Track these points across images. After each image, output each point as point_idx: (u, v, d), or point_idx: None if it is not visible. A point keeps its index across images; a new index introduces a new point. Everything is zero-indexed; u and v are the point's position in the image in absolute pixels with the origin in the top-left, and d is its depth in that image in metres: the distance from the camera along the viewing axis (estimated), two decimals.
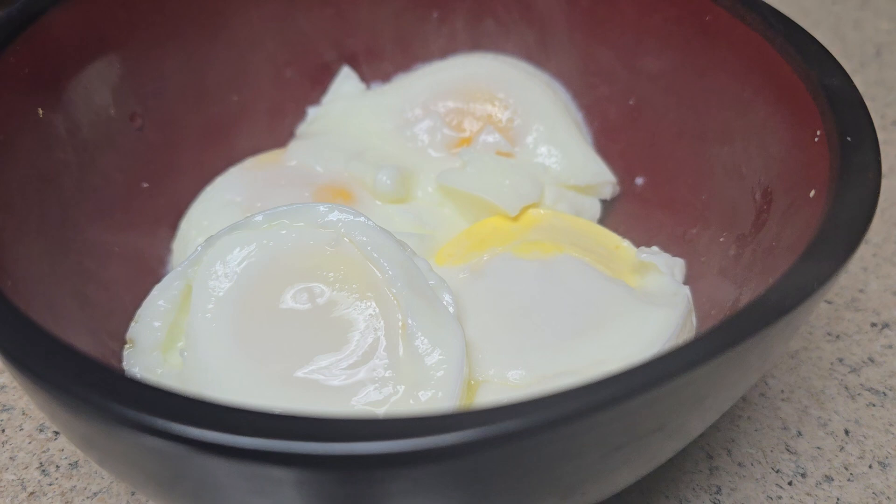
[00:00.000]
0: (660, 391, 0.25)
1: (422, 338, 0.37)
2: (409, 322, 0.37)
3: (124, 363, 0.39)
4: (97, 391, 0.26)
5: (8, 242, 0.36)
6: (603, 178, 0.49)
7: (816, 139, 0.36)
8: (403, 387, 0.36)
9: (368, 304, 0.38)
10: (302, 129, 0.52)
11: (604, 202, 0.50)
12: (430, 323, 0.37)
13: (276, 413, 0.24)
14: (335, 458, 0.23)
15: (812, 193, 0.34)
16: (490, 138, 0.48)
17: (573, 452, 0.26)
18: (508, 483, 0.26)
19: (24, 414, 0.45)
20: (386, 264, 0.38)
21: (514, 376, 0.39)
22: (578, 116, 0.52)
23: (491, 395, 0.38)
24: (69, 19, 0.43)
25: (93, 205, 0.44)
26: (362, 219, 0.40)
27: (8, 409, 0.46)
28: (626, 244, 0.45)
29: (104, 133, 0.45)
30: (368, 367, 0.37)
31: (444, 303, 0.39)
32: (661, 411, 0.27)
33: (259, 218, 0.40)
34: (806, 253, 0.29)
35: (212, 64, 0.50)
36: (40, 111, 0.41)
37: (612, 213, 0.50)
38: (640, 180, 0.50)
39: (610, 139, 0.51)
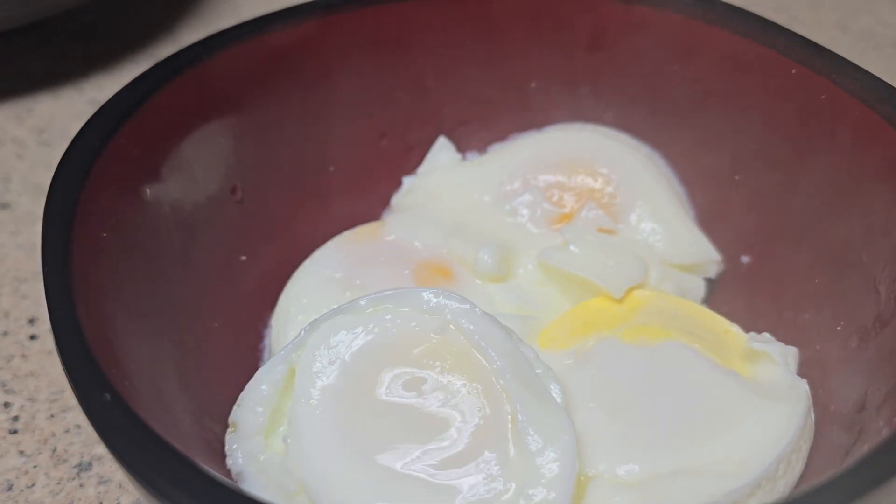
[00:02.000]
0: None
1: (533, 434, 0.36)
2: (520, 417, 0.36)
3: (227, 447, 0.39)
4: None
5: (117, 329, 0.36)
6: (708, 256, 0.47)
7: None
8: (514, 485, 0.35)
9: (476, 395, 0.37)
10: (398, 199, 0.52)
11: (708, 281, 0.48)
12: (540, 417, 0.36)
13: None
14: None
15: None
16: (592, 214, 0.47)
17: None
18: None
19: (121, 487, 0.45)
20: (494, 354, 0.37)
21: (625, 473, 0.37)
22: (681, 191, 0.50)
23: (601, 492, 0.37)
24: (175, 99, 0.43)
25: (193, 280, 0.44)
26: (468, 306, 0.39)
27: (105, 482, 0.46)
28: (735, 329, 0.44)
29: (206, 207, 0.45)
30: (476, 463, 0.36)
31: (553, 394, 0.38)
32: None
33: (363, 302, 0.39)
34: None
35: (310, 135, 0.50)
36: (147, 191, 0.41)
37: (717, 293, 0.48)
38: (745, 258, 0.48)
39: (714, 216, 0.50)
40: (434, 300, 0.39)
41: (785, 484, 0.36)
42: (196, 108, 0.44)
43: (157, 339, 0.39)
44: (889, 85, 0.41)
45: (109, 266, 0.37)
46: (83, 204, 0.36)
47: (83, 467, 0.46)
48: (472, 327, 0.38)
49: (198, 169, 0.45)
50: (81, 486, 0.45)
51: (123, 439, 0.28)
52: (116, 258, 0.38)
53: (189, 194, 0.44)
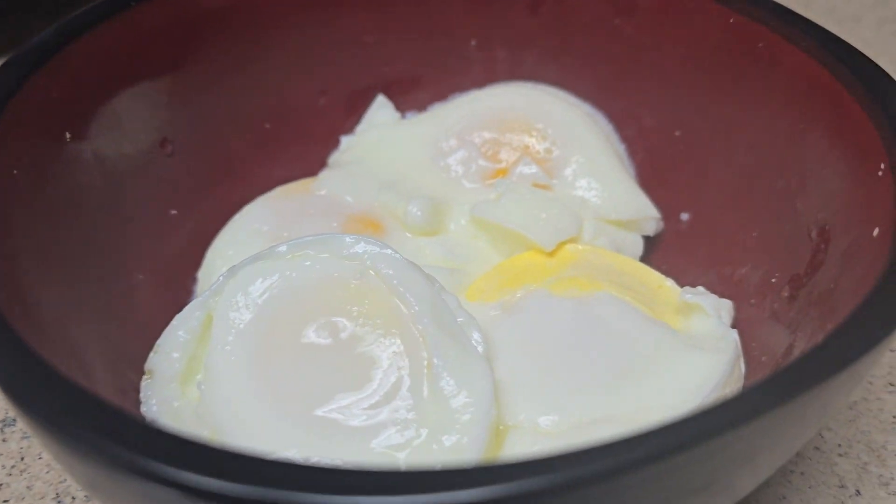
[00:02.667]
0: (708, 447, 0.23)
1: (448, 378, 0.35)
2: (435, 361, 0.35)
3: (141, 395, 0.38)
4: (104, 435, 0.24)
5: (25, 269, 0.35)
6: (646, 213, 0.46)
7: (881, 173, 0.33)
8: (426, 430, 0.34)
9: (393, 340, 0.36)
10: (334, 158, 0.51)
11: (646, 239, 0.48)
12: (458, 363, 0.35)
13: (284, 462, 0.23)
14: None
15: (876, 232, 0.31)
16: (527, 170, 0.46)
17: None
18: None
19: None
20: (412, 299, 0.37)
21: (545, 422, 0.36)
22: (621, 149, 0.50)
23: (520, 442, 0.36)
24: (102, 44, 0.42)
25: (118, 231, 0.43)
26: (389, 251, 0.38)
27: (28, 437, 0.45)
28: (669, 283, 0.43)
29: (133, 159, 0.44)
30: (391, 407, 0.35)
31: (473, 342, 0.37)
32: (709, 469, 0.25)
33: (283, 248, 0.39)
34: (870, 297, 0.27)
35: (245, 92, 0.49)
36: (68, 135, 0.40)
37: (655, 251, 0.47)
38: (685, 216, 0.47)
39: (654, 173, 0.49)
40: (354, 246, 0.38)
41: None
42: (124, 56, 0.43)
43: (74, 286, 0.38)
44: (827, 31, 0.40)
45: (20, 203, 0.36)
46: None
47: (7, 423, 0.45)
48: (391, 272, 0.37)
49: (125, 118, 0.44)
50: (4, 440, 0.44)
51: (9, 366, 0.27)
52: (30, 197, 0.37)
53: (115, 144, 0.43)
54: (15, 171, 0.36)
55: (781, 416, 0.24)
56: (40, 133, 0.39)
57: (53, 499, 0.42)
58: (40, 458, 0.44)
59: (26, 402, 0.26)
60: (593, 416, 0.36)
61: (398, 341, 0.36)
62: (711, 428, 0.24)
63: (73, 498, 0.42)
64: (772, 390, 0.24)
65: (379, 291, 0.37)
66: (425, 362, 0.36)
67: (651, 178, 0.49)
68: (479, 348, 0.37)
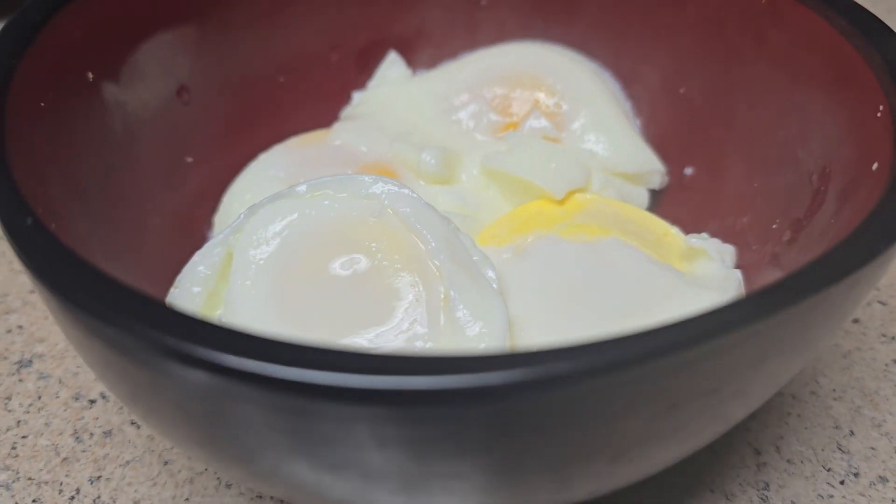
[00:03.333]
0: (719, 343, 0.24)
1: (463, 309, 0.36)
2: (452, 294, 0.36)
3: None
4: (140, 320, 0.25)
5: (52, 200, 0.36)
6: (651, 166, 0.48)
7: (879, 114, 0.34)
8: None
9: (411, 275, 0.37)
10: (346, 112, 0.52)
11: (652, 192, 0.49)
12: (473, 296, 0.36)
13: (321, 347, 0.24)
14: (389, 393, 0.22)
15: (875, 166, 0.33)
16: (537, 123, 0.47)
17: (626, 405, 0.25)
18: (555, 437, 0.25)
19: (60, 382, 0.45)
20: (429, 236, 0.38)
21: None
22: (627, 105, 0.51)
23: None
24: None
25: (136, 174, 0.44)
26: (406, 191, 0.39)
27: (45, 377, 0.45)
28: (674, 231, 0.44)
29: (151, 105, 0.45)
30: (407, 335, 0.36)
31: (488, 278, 0.38)
32: (720, 368, 0.26)
33: (302, 188, 0.40)
34: (874, 213, 0.28)
35: (260, 45, 0.50)
36: (90, 75, 0.41)
37: (661, 204, 0.49)
38: (689, 170, 0.49)
39: (659, 128, 0.50)
40: (372, 185, 0.39)
41: None
42: (147, 3, 0.44)
43: (94, 222, 0.39)
44: None
45: (46, 132, 0.36)
46: (23, 65, 0.35)
47: (23, 364, 0.46)
48: (408, 210, 0.38)
49: (145, 64, 0.44)
50: (21, 381, 0.45)
51: (42, 256, 0.28)
52: (54, 130, 0.37)
53: (134, 88, 0.44)
54: (42, 104, 0.37)
55: (792, 316, 0.25)
56: (65, 70, 0.39)
57: (71, 435, 0.42)
58: (57, 397, 0.44)
59: (61, 291, 0.26)
60: None
61: (416, 276, 0.37)
62: (722, 324, 0.25)
63: (91, 434, 0.42)
64: (784, 291, 0.25)
65: (396, 229, 0.38)
66: (442, 295, 0.37)
67: (656, 133, 0.50)
68: (494, 285, 0.38)
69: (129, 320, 0.25)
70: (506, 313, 0.36)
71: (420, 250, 0.38)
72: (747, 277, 0.41)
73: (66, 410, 0.44)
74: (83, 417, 0.43)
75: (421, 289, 0.37)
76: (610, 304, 0.39)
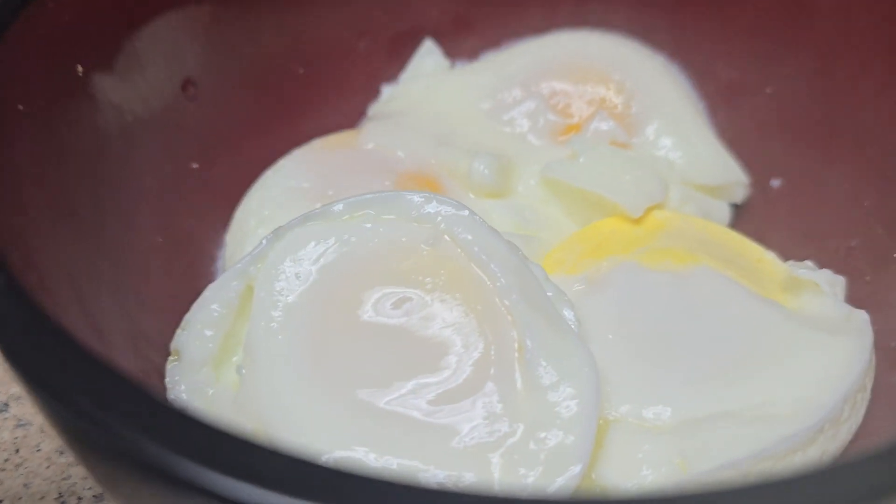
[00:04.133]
0: None
1: (545, 365, 0.29)
2: (528, 344, 0.30)
3: (167, 379, 0.32)
4: (132, 424, 0.19)
5: (35, 228, 0.29)
6: (734, 177, 0.41)
7: None
8: (522, 426, 0.29)
9: (475, 318, 0.31)
10: (375, 109, 0.45)
11: (733, 208, 0.42)
12: (554, 346, 0.30)
13: (359, 473, 0.17)
14: None
15: None
16: (604, 126, 0.41)
17: None
18: None
19: (42, 431, 0.38)
20: (497, 270, 0.31)
21: (653, 416, 0.31)
22: (700, 106, 0.44)
23: (624, 438, 0.31)
24: None
25: (134, 186, 0.37)
26: (467, 212, 0.32)
27: (24, 425, 0.38)
28: (770, 257, 0.38)
29: (152, 102, 0.38)
30: (475, 398, 0.29)
31: (567, 320, 0.31)
32: None
33: (339, 207, 0.33)
34: None
35: (277, 31, 0.43)
36: (80, 69, 0.34)
37: (743, 222, 0.42)
38: (776, 182, 0.42)
39: (738, 135, 0.44)
40: (425, 206, 0.32)
41: (849, 429, 0.30)
42: None
43: (85, 245, 0.32)
44: None
45: (26, 143, 0.30)
46: None
47: None
48: (470, 238, 0.32)
49: (145, 54, 0.37)
50: None
51: (14, 330, 0.21)
52: (36, 138, 0.30)
53: (133, 83, 0.37)
54: (20, 106, 0.30)
55: None
56: (48, 64, 0.32)
57: (56, 499, 0.36)
58: (38, 451, 0.37)
59: (37, 377, 0.20)
60: (711, 410, 0.31)
61: (481, 319, 0.31)
62: None
63: (80, 498, 0.36)
64: None
65: (456, 260, 0.32)
66: (515, 345, 0.30)
67: (734, 140, 0.43)
68: (574, 328, 0.31)
69: (122, 425, 0.18)
70: (596, 367, 0.29)
71: (486, 287, 0.31)
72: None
73: (48, 468, 0.37)
74: (69, 476, 0.36)
75: (489, 336, 0.30)
76: (714, 352, 0.32)
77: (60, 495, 0.36)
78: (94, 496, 0.36)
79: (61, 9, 0.33)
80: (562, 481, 0.27)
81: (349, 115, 0.45)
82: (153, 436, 0.19)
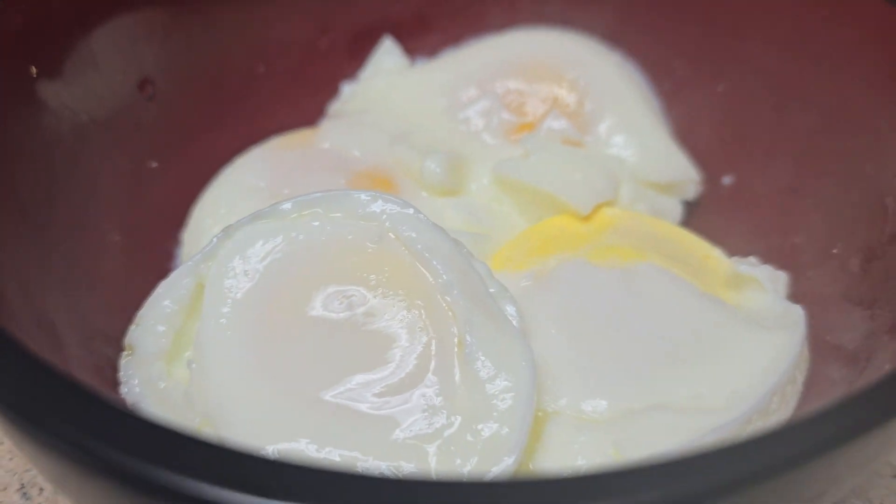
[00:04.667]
0: (840, 453, 0.19)
1: (483, 359, 0.30)
2: (468, 339, 0.30)
3: (121, 373, 0.33)
4: (76, 425, 0.19)
5: None
6: (686, 175, 0.42)
7: None
8: (460, 418, 0.30)
9: (417, 314, 0.31)
10: (335, 107, 0.45)
11: (685, 205, 0.43)
12: (493, 341, 0.31)
13: (308, 466, 0.18)
14: None
15: None
16: (556, 124, 0.41)
17: None
18: None
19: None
20: (440, 267, 0.32)
21: (591, 408, 0.32)
22: (655, 104, 0.45)
23: (562, 430, 0.31)
24: None
25: (90, 185, 0.37)
26: (411, 210, 0.33)
27: None
28: (716, 253, 0.38)
29: (109, 101, 0.39)
30: (416, 392, 0.30)
31: (508, 316, 0.32)
32: (825, 480, 0.20)
33: (287, 206, 0.33)
34: None
35: (237, 29, 0.43)
36: (34, 70, 0.34)
37: (695, 218, 0.43)
38: (727, 179, 0.43)
39: (691, 132, 0.44)
40: (371, 204, 0.33)
41: (778, 419, 0.31)
42: None
43: (39, 246, 0.33)
44: None
45: None
46: None
47: None
48: (414, 235, 0.32)
49: (101, 53, 0.38)
50: None
51: None
52: None
53: (88, 83, 0.37)
54: None
55: None
56: (1, 66, 0.33)
57: (18, 490, 0.36)
58: (1, 444, 0.38)
59: None
60: (647, 402, 0.31)
61: (423, 315, 0.31)
62: (844, 432, 0.19)
63: (41, 489, 0.36)
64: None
65: (400, 257, 0.32)
66: (455, 339, 0.31)
67: (688, 137, 0.44)
68: (515, 323, 0.32)
69: (61, 423, 0.19)
70: (533, 363, 0.30)
71: (429, 283, 0.32)
72: (808, 312, 0.35)
73: (11, 460, 0.37)
74: (31, 469, 0.37)
75: (429, 331, 0.31)
76: (652, 346, 0.33)
77: (22, 486, 0.36)
78: (55, 488, 0.36)
79: (13, 9, 0.33)
80: (496, 471, 0.28)
81: (309, 114, 0.45)
82: (93, 434, 0.20)
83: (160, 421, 0.20)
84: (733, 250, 0.39)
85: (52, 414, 0.19)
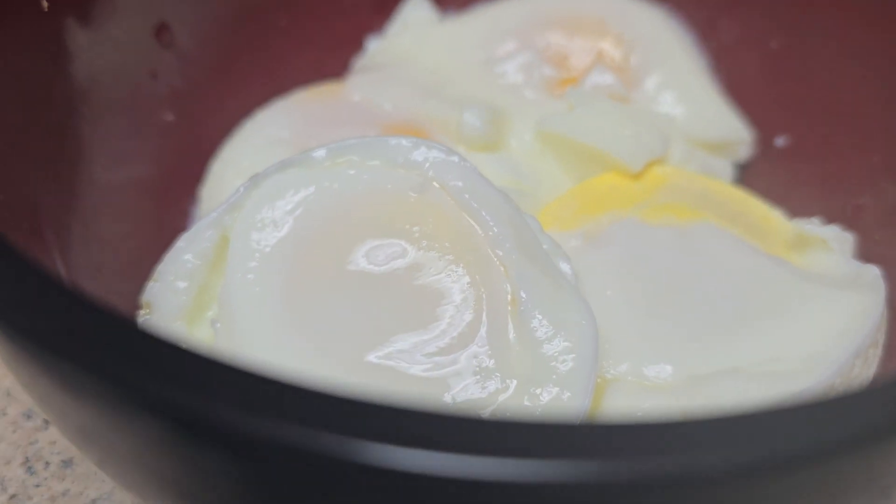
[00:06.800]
0: None
1: (539, 318, 0.27)
2: (522, 296, 0.28)
3: None
4: (104, 354, 0.16)
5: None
6: (738, 135, 0.39)
7: None
8: (515, 381, 0.27)
9: (465, 268, 0.29)
10: (362, 62, 0.43)
11: (736, 167, 0.40)
12: (550, 299, 0.28)
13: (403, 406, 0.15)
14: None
15: None
16: (602, 79, 0.39)
17: None
18: None
19: (8, 395, 0.36)
20: (490, 219, 0.29)
21: (655, 374, 0.29)
22: (702, 62, 0.42)
23: (623, 397, 0.29)
24: None
25: (102, 136, 0.34)
26: (457, 158, 0.30)
27: None
28: (775, 214, 0.36)
29: (123, 46, 0.36)
30: (466, 353, 0.27)
31: (564, 273, 0.29)
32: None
33: (321, 153, 0.31)
34: None
35: None
36: (45, 3, 0.31)
37: (746, 181, 0.40)
38: (780, 140, 0.40)
39: (742, 90, 0.41)
40: (413, 151, 0.30)
41: (860, 385, 0.28)
42: None
43: (50, 196, 0.30)
44: None
45: None
46: None
47: None
48: (460, 185, 0.30)
49: None
50: None
51: None
52: None
53: (102, 22, 0.34)
54: None
55: None
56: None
57: (22, 464, 0.34)
58: (5, 415, 0.35)
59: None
60: (714, 367, 0.29)
61: (472, 270, 0.29)
62: None
63: (47, 463, 0.34)
64: None
65: (446, 208, 0.30)
66: (508, 297, 0.28)
67: (738, 96, 0.41)
68: (572, 282, 0.29)
69: (90, 352, 0.16)
70: (594, 323, 0.28)
71: (478, 237, 0.29)
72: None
73: (14, 432, 0.35)
74: (36, 441, 0.34)
75: (480, 287, 0.28)
76: (718, 307, 0.30)
77: (27, 460, 0.34)
78: (62, 461, 0.34)
79: None
80: None
81: (333, 68, 0.42)
82: (136, 365, 0.17)
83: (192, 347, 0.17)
84: (792, 213, 0.37)
85: (85, 344, 0.16)
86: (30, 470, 0.33)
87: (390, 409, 0.15)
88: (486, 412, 0.26)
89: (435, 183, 0.30)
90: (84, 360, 0.15)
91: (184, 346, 0.16)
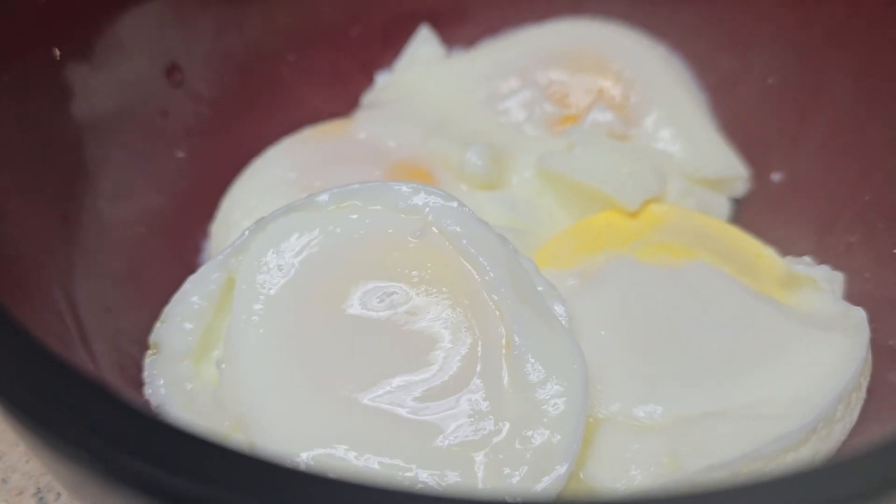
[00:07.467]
0: None
1: (532, 361, 0.28)
2: (516, 340, 0.29)
3: (145, 373, 0.31)
4: (98, 432, 0.17)
5: (7, 218, 0.28)
6: (735, 171, 0.40)
7: None
8: (508, 424, 0.28)
9: (462, 312, 0.30)
10: (370, 98, 0.44)
11: (733, 202, 0.41)
12: (543, 342, 0.29)
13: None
14: None
15: None
16: (602, 117, 0.39)
17: None
18: None
19: None
20: (486, 263, 0.30)
21: (645, 414, 0.30)
22: (701, 98, 0.43)
23: (614, 437, 0.30)
24: None
25: (114, 174, 0.36)
26: (455, 204, 0.31)
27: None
28: (768, 252, 0.37)
29: (135, 88, 0.37)
30: (460, 396, 0.28)
31: (557, 316, 0.30)
32: None
33: (324, 197, 0.32)
34: None
35: (268, 14, 0.42)
36: (57, 52, 0.33)
37: (742, 216, 0.41)
38: (776, 176, 0.41)
39: (738, 127, 0.42)
40: (413, 196, 0.31)
41: (842, 428, 0.29)
42: None
43: (60, 239, 0.31)
44: None
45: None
46: None
47: None
48: (458, 230, 0.31)
49: (128, 37, 0.36)
50: None
51: None
52: (9, 123, 0.29)
53: (113, 67, 0.36)
54: None
55: None
56: (22, 46, 0.31)
57: (34, 494, 0.35)
58: (18, 446, 0.36)
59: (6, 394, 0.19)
60: (704, 409, 0.30)
61: (468, 314, 0.30)
62: None
63: (59, 494, 0.35)
64: None
65: (444, 253, 0.31)
66: (503, 340, 0.29)
67: (735, 132, 0.42)
68: (564, 324, 0.30)
69: (79, 428, 0.17)
70: (584, 364, 0.28)
71: (474, 281, 0.30)
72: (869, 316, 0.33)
73: (27, 462, 0.36)
74: (48, 473, 0.35)
75: (475, 331, 0.29)
76: (710, 352, 0.31)
77: (38, 491, 0.35)
78: (71, 496, 0.35)
79: None
80: (547, 481, 0.26)
81: (342, 104, 0.44)
82: (114, 443, 0.18)
83: (186, 427, 0.18)
84: (785, 250, 0.37)
85: (70, 418, 0.17)
86: (41, 501, 0.35)
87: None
88: (479, 455, 0.27)
89: (434, 228, 0.31)
90: (71, 435, 0.17)
91: (164, 424, 0.17)
